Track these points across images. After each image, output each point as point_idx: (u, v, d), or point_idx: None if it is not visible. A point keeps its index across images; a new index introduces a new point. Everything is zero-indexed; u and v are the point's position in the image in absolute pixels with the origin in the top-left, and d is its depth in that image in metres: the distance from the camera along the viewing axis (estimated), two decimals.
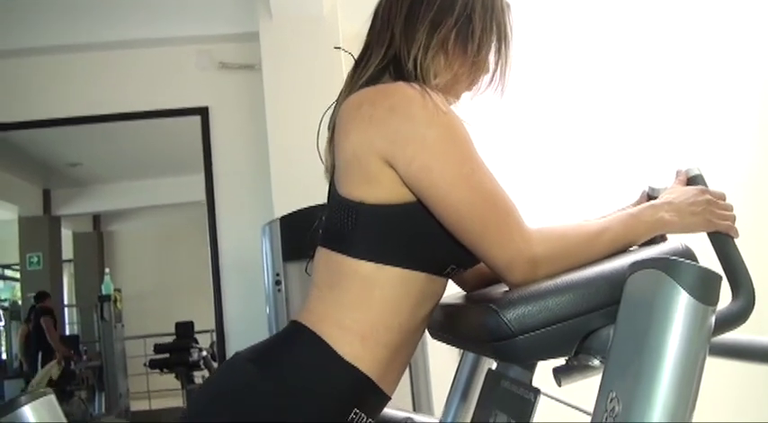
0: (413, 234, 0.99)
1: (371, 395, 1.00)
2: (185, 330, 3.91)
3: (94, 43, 3.56)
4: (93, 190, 4.18)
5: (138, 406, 3.99)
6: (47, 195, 4.04)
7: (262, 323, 3.03)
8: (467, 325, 1.01)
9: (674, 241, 1.00)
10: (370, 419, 1.02)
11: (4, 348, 3.90)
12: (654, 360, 0.71)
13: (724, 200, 1.07)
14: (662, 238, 1.06)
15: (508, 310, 0.85)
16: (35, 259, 3.93)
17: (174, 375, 3.96)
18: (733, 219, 1.05)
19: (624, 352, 0.76)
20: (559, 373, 0.95)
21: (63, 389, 3.77)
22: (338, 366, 0.97)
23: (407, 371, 2.38)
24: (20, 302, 3.94)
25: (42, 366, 3.76)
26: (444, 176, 0.94)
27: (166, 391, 4.00)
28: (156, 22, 3.56)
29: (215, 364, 3.70)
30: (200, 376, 3.93)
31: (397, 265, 0.98)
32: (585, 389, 1.01)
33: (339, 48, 1.26)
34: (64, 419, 1.40)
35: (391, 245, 0.98)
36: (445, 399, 1.43)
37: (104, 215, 4.23)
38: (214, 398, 1.01)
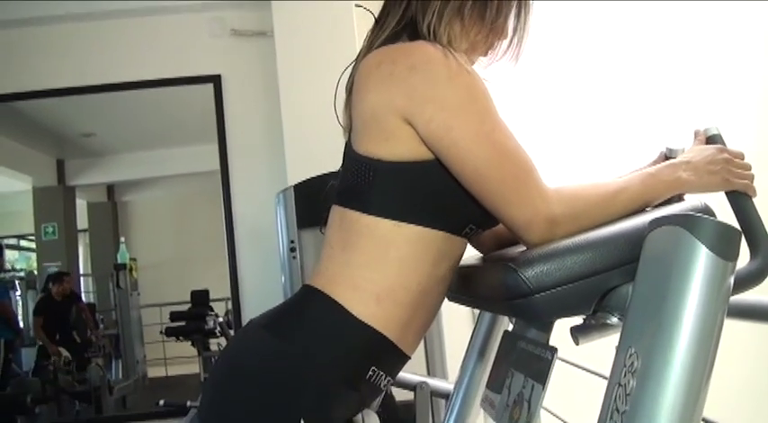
0: (431, 192, 0.98)
1: (389, 354, 1.01)
2: (201, 298, 3.94)
3: (107, 11, 3.54)
4: (107, 160, 4.18)
5: (154, 373, 4.04)
6: (61, 166, 4.04)
7: (277, 290, 3.06)
8: (484, 284, 1.01)
9: (693, 200, 1.00)
10: (389, 378, 1.04)
11: (21, 317, 3.94)
12: (674, 315, 0.71)
13: (742, 159, 1.06)
14: (679, 199, 1.05)
15: (526, 268, 0.85)
16: (50, 229, 3.95)
17: (190, 343, 4.01)
18: (751, 178, 1.04)
19: (643, 308, 0.76)
20: (577, 332, 0.95)
21: (81, 356, 3.84)
22: (352, 326, 0.97)
23: None
24: (35, 273, 3.97)
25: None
26: (464, 135, 0.93)
27: (183, 358, 4.05)
28: None
29: (231, 332, 3.74)
30: (215, 343, 3.98)
31: (414, 223, 0.97)
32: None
33: (360, 6, 1.24)
34: None
35: (409, 202, 0.98)
36: (460, 364, 1.44)
37: (118, 185, 4.24)
38: (231, 370, 1.03)
